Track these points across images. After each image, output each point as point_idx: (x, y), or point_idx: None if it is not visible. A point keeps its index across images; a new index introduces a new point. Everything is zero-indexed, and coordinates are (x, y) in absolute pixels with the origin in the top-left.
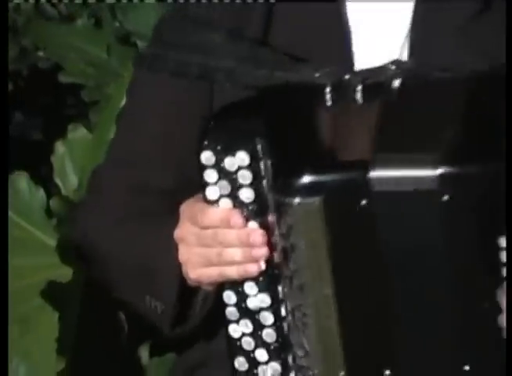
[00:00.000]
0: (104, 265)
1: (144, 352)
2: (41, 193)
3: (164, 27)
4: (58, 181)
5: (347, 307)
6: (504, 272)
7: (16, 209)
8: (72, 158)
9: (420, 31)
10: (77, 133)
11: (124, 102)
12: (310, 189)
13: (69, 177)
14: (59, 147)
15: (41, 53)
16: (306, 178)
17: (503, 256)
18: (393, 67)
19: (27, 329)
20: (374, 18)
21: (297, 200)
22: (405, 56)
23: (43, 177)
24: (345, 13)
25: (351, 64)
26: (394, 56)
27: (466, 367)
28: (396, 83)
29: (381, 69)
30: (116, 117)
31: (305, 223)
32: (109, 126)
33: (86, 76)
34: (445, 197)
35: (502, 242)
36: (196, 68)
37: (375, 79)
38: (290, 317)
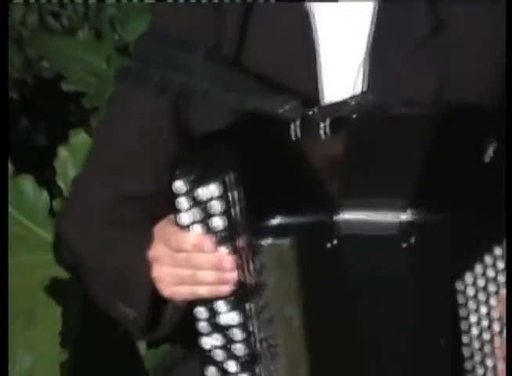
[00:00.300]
0: (81, 271)
1: (142, 345)
2: (44, 194)
3: (146, 43)
4: (60, 183)
5: (316, 340)
6: (462, 312)
7: (22, 209)
8: (74, 162)
9: (379, 48)
10: (79, 138)
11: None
12: (280, 231)
13: (71, 179)
14: (62, 151)
15: (45, 63)
16: (277, 220)
17: (460, 298)
18: (354, 102)
19: (32, 322)
20: (339, 33)
21: (268, 241)
22: (366, 71)
23: (47, 179)
24: (312, 30)
25: (316, 84)
26: (357, 70)
27: None
28: (359, 118)
29: (345, 104)
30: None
31: (276, 262)
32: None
33: (87, 84)
34: (405, 245)
35: (460, 286)
36: (176, 86)
37: (339, 114)
38: (258, 344)
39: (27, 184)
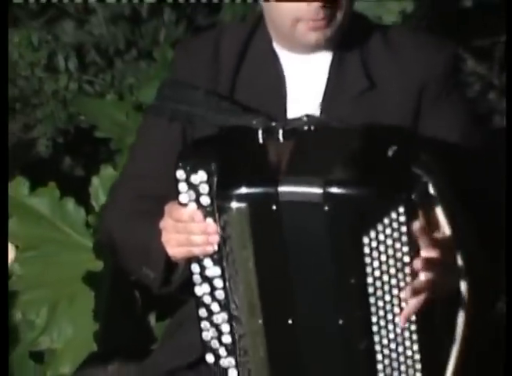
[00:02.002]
0: (117, 247)
1: (152, 318)
2: (82, 211)
3: (165, 87)
4: (93, 203)
5: (264, 275)
6: (366, 258)
7: (66, 222)
8: (103, 188)
9: (328, 98)
10: (107, 171)
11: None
12: (239, 198)
13: (100, 201)
14: (95, 180)
15: (82, 117)
16: (237, 191)
17: (366, 249)
18: (305, 118)
19: (73, 303)
20: (305, 81)
21: (230, 204)
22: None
23: (84, 200)
24: (284, 77)
25: (285, 112)
26: (314, 105)
27: (340, 322)
28: (305, 128)
29: (297, 119)
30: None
31: (236, 218)
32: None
33: (113, 132)
34: (326, 208)
35: (365, 240)
36: (183, 114)
37: (292, 126)
38: (228, 282)
39: (70, 204)
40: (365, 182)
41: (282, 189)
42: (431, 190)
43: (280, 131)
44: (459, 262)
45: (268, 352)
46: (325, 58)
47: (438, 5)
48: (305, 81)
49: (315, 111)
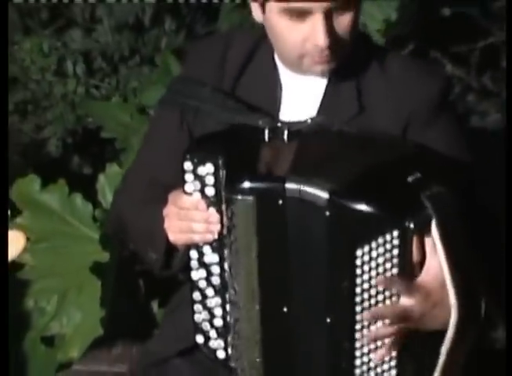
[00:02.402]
0: (125, 228)
1: (155, 305)
2: (90, 206)
3: (175, 82)
4: (100, 199)
5: (265, 264)
6: (357, 269)
7: (74, 216)
8: (109, 184)
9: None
10: (113, 169)
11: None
12: (247, 191)
13: (107, 196)
14: (101, 178)
15: (90, 119)
16: (246, 184)
17: (358, 261)
18: (309, 121)
19: (81, 291)
20: (299, 96)
21: (239, 197)
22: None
23: (92, 196)
24: (281, 91)
25: (278, 117)
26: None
27: (328, 320)
28: (308, 128)
29: (302, 122)
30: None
31: (243, 210)
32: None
33: (118, 133)
34: (327, 213)
35: (359, 252)
36: (191, 109)
37: (297, 127)
38: (228, 269)
39: (78, 199)
40: (370, 199)
41: (289, 186)
42: (433, 225)
43: (286, 132)
44: (452, 298)
45: (261, 336)
46: (321, 80)
47: (419, 14)
48: (300, 99)
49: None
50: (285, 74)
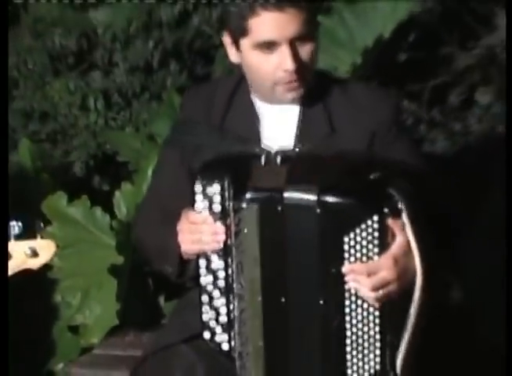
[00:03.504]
0: (145, 249)
1: (161, 300)
2: (107, 217)
3: (176, 125)
4: (116, 211)
5: (266, 261)
6: (345, 254)
7: (95, 226)
8: (124, 200)
9: (299, 142)
10: (127, 187)
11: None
12: (252, 200)
13: (122, 209)
14: (117, 194)
15: (108, 146)
16: (250, 195)
17: (346, 246)
18: (297, 149)
19: (100, 288)
20: (276, 124)
21: (244, 205)
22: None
23: (109, 209)
24: (259, 122)
25: (260, 141)
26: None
27: (321, 301)
28: (296, 154)
29: (291, 150)
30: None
31: (248, 217)
32: (142, 184)
33: (131, 157)
34: (318, 210)
35: (346, 239)
36: (191, 144)
37: (287, 154)
38: (235, 271)
39: (98, 212)
40: (350, 194)
41: (286, 194)
42: (400, 207)
43: (278, 158)
44: (418, 266)
45: (263, 323)
46: (294, 107)
47: (380, 58)
48: (277, 126)
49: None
50: (262, 108)
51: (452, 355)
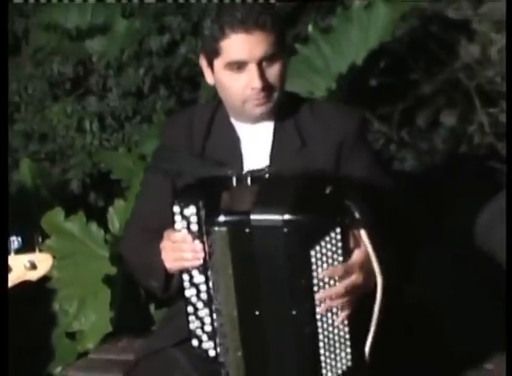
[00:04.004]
0: (131, 266)
1: (152, 308)
2: (102, 232)
3: (157, 152)
4: (110, 226)
5: (239, 278)
6: (312, 266)
7: (91, 240)
8: (117, 215)
9: (274, 155)
10: (119, 203)
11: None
12: (222, 223)
13: (115, 224)
14: (111, 210)
15: (103, 165)
16: (220, 218)
17: (313, 259)
18: (266, 169)
19: (96, 297)
20: (254, 142)
21: (216, 228)
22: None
23: (104, 224)
24: (240, 142)
25: (242, 165)
26: (263, 159)
27: (294, 312)
28: (266, 176)
29: (260, 170)
30: (135, 196)
31: (220, 239)
32: (133, 200)
33: (124, 175)
34: (285, 230)
35: (312, 252)
36: (171, 170)
37: (256, 174)
38: (211, 288)
39: (93, 226)
40: (312, 211)
41: (253, 217)
42: (357, 217)
43: (248, 179)
44: (376, 269)
45: (241, 335)
46: (269, 125)
47: (353, 84)
48: (255, 145)
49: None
50: (241, 128)
51: (413, 349)
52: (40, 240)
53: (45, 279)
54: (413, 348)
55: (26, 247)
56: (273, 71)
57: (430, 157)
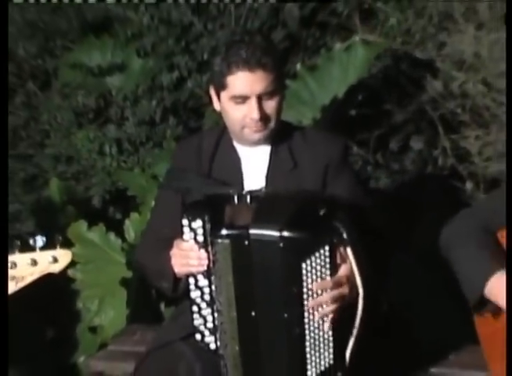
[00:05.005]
0: (145, 271)
1: (162, 306)
2: (119, 241)
3: (169, 172)
4: (126, 236)
5: (238, 284)
6: (303, 276)
7: (110, 248)
8: (132, 226)
9: (270, 174)
10: (135, 216)
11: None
12: (224, 236)
13: (130, 234)
14: (127, 222)
15: (120, 183)
16: (223, 232)
17: (304, 271)
18: (263, 189)
19: (114, 297)
20: (253, 163)
21: (219, 240)
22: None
23: (121, 234)
24: (241, 163)
25: (243, 183)
26: (262, 180)
27: (285, 315)
28: (263, 194)
29: (258, 190)
30: (150, 210)
31: (222, 250)
32: (147, 213)
33: (138, 192)
34: (281, 244)
35: (303, 265)
36: (182, 188)
37: (255, 194)
38: (214, 291)
39: (112, 236)
40: (306, 229)
41: (252, 231)
42: (345, 236)
43: (248, 197)
44: (359, 282)
45: (238, 333)
46: (266, 148)
47: (335, 114)
48: (254, 165)
49: (262, 183)
50: (241, 151)
51: (388, 350)
52: (60, 238)
53: (70, 281)
54: (386, 345)
55: (48, 245)
56: (271, 104)
57: (401, 177)
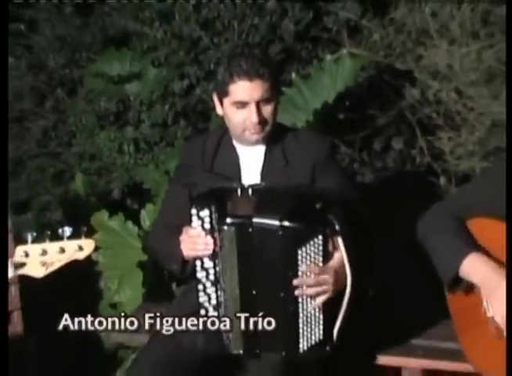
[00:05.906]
0: (156, 254)
1: (173, 285)
2: (136, 228)
3: (178, 168)
4: (142, 224)
5: (242, 266)
6: (298, 262)
7: (128, 234)
8: (147, 215)
9: (264, 171)
10: (150, 206)
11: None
12: (230, 224)
13: (146, 222)
14: (143, 212)
15: (137, 178)
16: (229, 220)
17: (299, 257)
18: (263, 184)
19: (131, 278)
20: (250, 160)
21: (225, 227)
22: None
23: (137, 222)
24: (239, 160)
25: (240, 177)
26: (258, 176)
27: (282, 294)
28: (262, 187)
29: (259, 184)
30: (161, 201)
31: (228, 236)
32: (160, 205)
33: (153, 185)
34: (280, 233)
35: (299, 251)
36: (188, 182)
37: (257, 187)
38: (220, 272)
39: (129, 224)
40: (302, 220)
41: (255, 220)
42: (337, 228)
43: (250, 190)
44: (348, 270)
45: (240, 308)
46: (261, 148)
47: (326, 117)
48: (251, 162)
49: (258, 179)
50: (240, 149)
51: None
52: (85, 229)
53: (93, 263)
54: (368, 322)
55: (75, 235)
56: (267, 109)
57: (383, 173)
